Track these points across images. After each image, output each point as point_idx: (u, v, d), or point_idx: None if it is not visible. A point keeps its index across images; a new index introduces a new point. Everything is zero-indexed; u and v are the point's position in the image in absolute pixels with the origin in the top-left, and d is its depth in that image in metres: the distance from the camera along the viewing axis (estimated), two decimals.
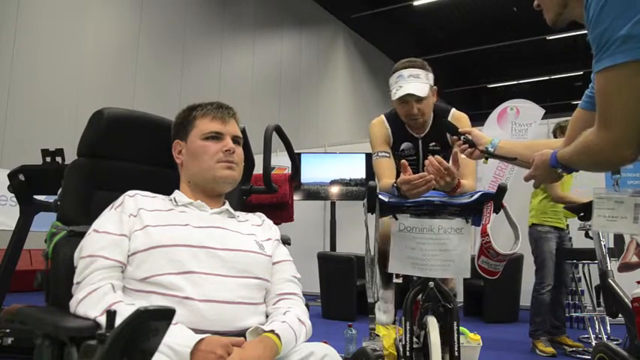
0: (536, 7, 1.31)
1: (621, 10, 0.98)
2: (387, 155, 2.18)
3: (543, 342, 3.59)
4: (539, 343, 3.59)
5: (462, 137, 1.65)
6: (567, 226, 3.89)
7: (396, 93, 2.04)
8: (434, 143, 2.21)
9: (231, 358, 1.01)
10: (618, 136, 1.05)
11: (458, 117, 2.21)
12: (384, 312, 2.15)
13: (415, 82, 2.04)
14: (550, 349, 3.51)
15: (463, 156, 1.70)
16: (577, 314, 4.38)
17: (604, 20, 1.01)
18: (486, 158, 1.62)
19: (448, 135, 2.09)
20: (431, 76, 2.10)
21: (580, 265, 4.18)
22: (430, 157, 1.71)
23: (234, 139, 1.36)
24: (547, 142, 1.70)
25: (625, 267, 4.15)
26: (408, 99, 2.05)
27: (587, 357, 3.41)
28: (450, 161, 1.73)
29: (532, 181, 1.42)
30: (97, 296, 1.08)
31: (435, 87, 2.12)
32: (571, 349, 3.58)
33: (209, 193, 1.35)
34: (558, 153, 1.28)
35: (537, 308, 3.63)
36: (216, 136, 1.33)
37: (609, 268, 2.31)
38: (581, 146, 1.17)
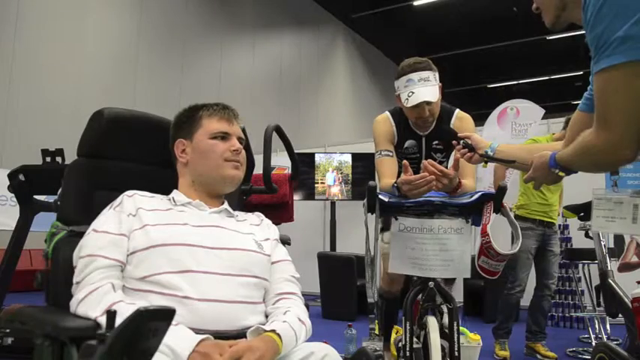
0: (534, 10, 1.32)
1: (619, 11, 0.99)
2: (390, 154, 2.18)
3: (500, 344, 3.41)
4: (496, 344, 3.44)
5: (462, 142, 1.67)
6: (559, 225, 3.64)
7: (409, 99, 2.02)
8: (437, 142, 2.22)
9: (238, 346, 1.02)
10: (617, 136, 1.05)
11: (461, 117, 2.21)
12: None
13: (426, 86, 2.03)
14: (504, 353, 3.33)
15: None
16: (577, 314, 4.38)
17: (602, 21, 1.01)
18: (486, 162, 1.63)
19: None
20: (437, 74, 2.10)
21: (580, 265, 4.18)
22: (424, 162, 1.72)
23: (239, 140, 1.37)
24: (546, 145, 1.70)
25: (625, 267, 4.15)
26: (418, 103, 2.04)
27: (587, 357, 3.42)
28: (450, 164, 1.74)
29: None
30: (98, 296, 1.08)
31: (440, 84, 2.12)
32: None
33: (211, 193, 1.36)
34: (557, 154, 1.28)
35: (503, 308, 3.48)
36: (224, 136, 1.34)
37: (609, 268, 2.32)
38: (580, 147, 1.18)
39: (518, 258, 3.33)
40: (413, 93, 2.02)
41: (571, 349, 3.60)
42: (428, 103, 2.05)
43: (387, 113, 2.26)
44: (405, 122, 2.21)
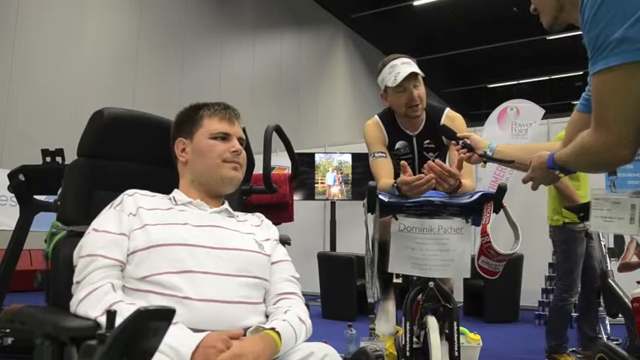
0: (533, 12, 1.33)
1: (615, 13, 0.99)
2: (384, 155, 2.19)
3: (572, 355, 3.20)
4: (568, 357, 3.18)
5: (461, 142, 1.67)
6: None
7: (397, 78, 2.06)
8: (428, 141, 2.22)
9: (232, 351, 1.02)
10: (614, 137, 1.06)
11: (452, 117, 2.22)
12: (384, 322, 2.16)
13: (410, 66, 2.09)
14: None
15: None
16: (577, 314, 4.38)
17: (598, 23, 1.02)
18: (485, 162, 1.64)
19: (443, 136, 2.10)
20: (420, 72, 2.14)
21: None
22: (430, 162, 1.71)
23: (239, 141, 1.37)
24: (545, 145, 1.71)
25: (625, 267, 4.16)
26: (406, 85, 2.07)
27: None
28: (453, 164, 1.74)
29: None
30: (98, 296, 1.08)
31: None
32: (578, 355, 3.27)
33: (211, 193, 1.36)
34: (555, 155, 1.29)
35: (561, 320, 3.21)
36: (224, 137, 1.34)
37: (609, 268, 2.32)
38: (577, 147, 1.18)
39: (576, 264, 3.15)
40: (399, 72, 2.07)
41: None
42: (415, 86, 2.09)
43: (376, 117, 2.28)
44: (395, 123, 2.22)
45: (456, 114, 2.24)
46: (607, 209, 1.29)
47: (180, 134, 1.38)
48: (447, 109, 2.24)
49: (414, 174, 1.81)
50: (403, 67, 2.08)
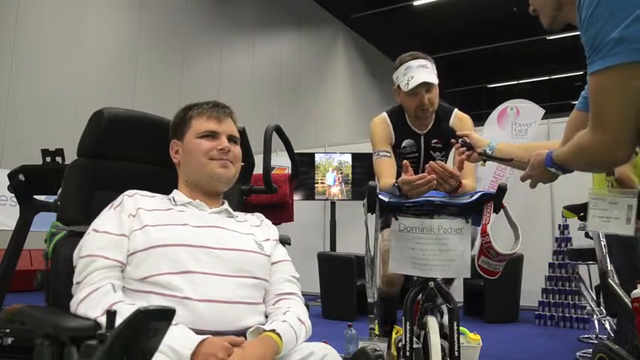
0: (532, 13, 1.33)
1: (613, 13, 0.99)
2: (388, 155, 2.18)
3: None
4: None
5: (461, 140, 1.67)
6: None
7: (409, 84, 2.05)
8: (436, 140, 2.22)
9: (232, 359, 1.02)
10: (611, 137, 1.06)
11: (460, 117, 2.23)
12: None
13: (425, 71, 2.08)
14: None
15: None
16: (577, 314, 4.38)
17: (596, 23, 1.01)
18: (484, 161, 1.64)
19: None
20: (435, 70, 2.13)
21: (580, 265, 4.17)
22: (432, 163, 1.71)
23: (230, 139, 1.36)
24: (544, 144, 1.71)
25: None
26: (418, 90, 2.07)
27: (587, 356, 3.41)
28: (455, 165, 1.75)
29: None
30: (98, 296, 1.08)
31: (438, 80, 2.15)
32: None
33: (207, 192, 1.35)
34: (553, 153, 1.29)
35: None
36: (212, 135, 1.33)
37: (609, 268, 2.31)
38: (575, 147, 1.19)
39: None
40: (412, 77, 2.06)
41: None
42: (427, 90, 2.08)
43: (385, 114, 2.27)
44: (403, 121, 2.22)
45: (465, 115, 2.25)
46: (604, 209, 1.29)
47: (174, 136, 1.39)
48: (456, 110, 2.25)
49: (419, 173, 1.81)
50: (418, 71, 2.06)
